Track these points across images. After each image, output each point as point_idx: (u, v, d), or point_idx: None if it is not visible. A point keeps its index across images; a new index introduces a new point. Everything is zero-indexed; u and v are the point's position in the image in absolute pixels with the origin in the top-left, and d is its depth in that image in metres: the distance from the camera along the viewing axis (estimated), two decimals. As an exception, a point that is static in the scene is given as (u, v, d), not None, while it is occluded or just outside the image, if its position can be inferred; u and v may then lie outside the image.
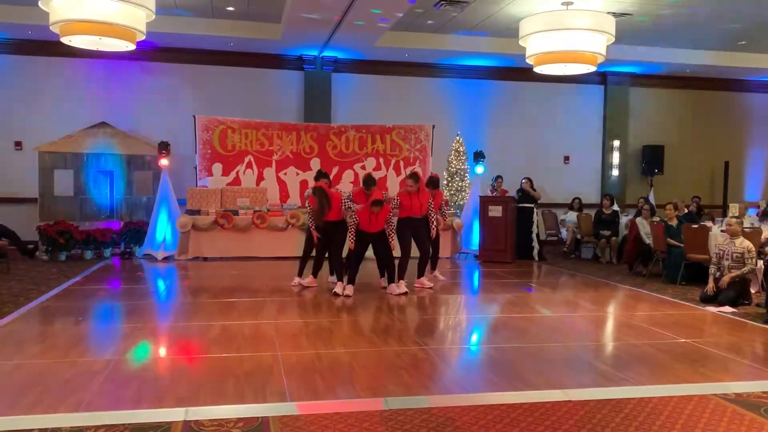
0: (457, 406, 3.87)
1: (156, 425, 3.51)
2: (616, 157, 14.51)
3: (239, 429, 3.47)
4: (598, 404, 3.96)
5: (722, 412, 3.88)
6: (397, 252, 7.82)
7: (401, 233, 7.89)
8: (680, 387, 4.31)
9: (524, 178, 11.61)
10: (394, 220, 7.75)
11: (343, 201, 7.73)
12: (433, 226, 8.09)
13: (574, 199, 12.55)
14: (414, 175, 8.01)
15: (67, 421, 3.55)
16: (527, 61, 9.83)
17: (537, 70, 9.92)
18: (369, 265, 8.04)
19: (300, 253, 8.41)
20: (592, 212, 12.13)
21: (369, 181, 8.11)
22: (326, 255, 8.05)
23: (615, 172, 14.52)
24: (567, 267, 10.60)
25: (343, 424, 3.57)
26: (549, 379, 4.50)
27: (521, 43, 9.72)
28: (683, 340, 5.62)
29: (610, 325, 6.56)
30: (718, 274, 7.60)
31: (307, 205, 8.04)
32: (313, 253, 8.13)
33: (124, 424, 3.50)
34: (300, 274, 8.17)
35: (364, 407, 3.83)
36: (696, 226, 8.91)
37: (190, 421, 3.58)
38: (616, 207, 12.00)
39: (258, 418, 3.63)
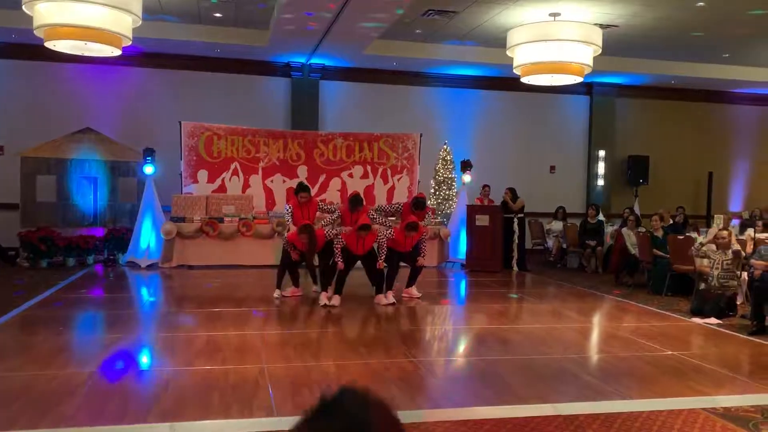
0: (447, 420, 3.84)
1: (140, 441, 3.44)
2: (601, 167, 14.60)
3: (225, 445, 3.41)
4: (587, 418, 3.95)
5: (711, 427, 3.87)
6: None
7: (388, 253, 7.80)
8: (669, 401, 4.30)
9: (505, 189, 11.58)
10: (385, 242, 7.68)
11: (326, 233, 7.66)
12: (421, 256, 8.01)
13: (558, 209, 12.59)
14: (415, 225, 7.79)
15: (47, 437, 3.47)
16: (514, 71, 9.86)
17: (524, 80, 9.96)
18: (356, 275, 8.00)
19: None
20: (578, 222, 12.19)
21: (356, 201, 8.01)
22: (303, 265, 8.03)
23: (600, 182, 14.61)
24: (553, 276, 10.62)
25: (332, 439, 3.51)
26: (538, 392, 4.47)
27: (509, 53, 9.76)
28: (670, 353, 5.63)
29: (596, 337, 6.56)
30: (703, 286, 7.66)
31: (285, 241, 7.95)
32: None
33: (106, 440, 3.44)
34: (279, 286, 8.07)
35: (353, 422, 3.77)
36: (681, 237, 8.96)
37: (175, 436, 3.51)
38: (601, 217, 12.05)
39: (244, 433, 3.57)
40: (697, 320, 7.09)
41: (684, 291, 8.67)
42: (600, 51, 9.48)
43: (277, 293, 7.96)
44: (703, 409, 4.16)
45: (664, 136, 15.04)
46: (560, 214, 12.46)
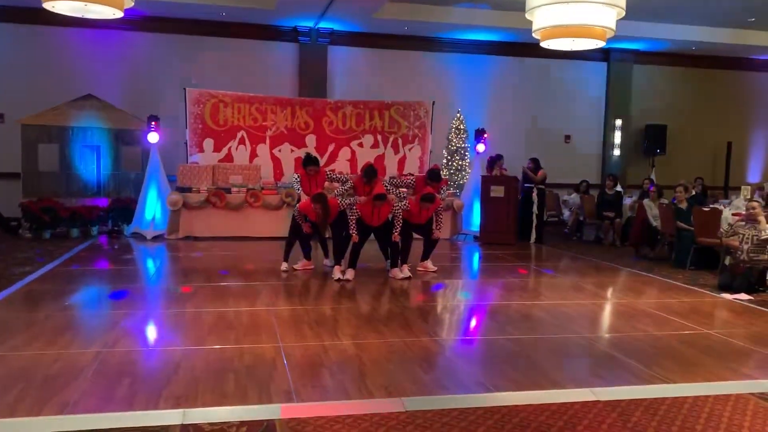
0: (481, 407, 3.56)
1: (150, 430, 3.17)
2: (617, 137, 14.18)
3: (243, 435, 3.14)
4: (630, 405, 3.68)
5: (765, 413, 3.60)
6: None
7: (402, 225, 7.48)
8: (715, 386, 4.02)
9: (529, 159, 11.22)
10: (400, 213, 7.36)
11: (340, 203, 7.35)
12: (437, 228, 7.74)
13: (582, 182, 12.13)
14: (431, 197, 7.48)
15: (50, 425, 3.21)
16: (533, 35, 9.40)
17: (544, 45, 9.46)
18: (370, 247, 7.70)
19: None
20: (594, 193, 11.83)
21: (370, 172, 7.72)
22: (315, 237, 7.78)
23: (616, 152, 14.20)
24: (570, 249, 10.31)
25: (357, 429, 3.25)
26: (573, 375, 4.21)
27: (528, 16, 9.29)
28: (705, 331, 5.35)
29: (626, 314, 6.25)
30: (728, 260, 7.36)
31: (296, 212, 7.58)
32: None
33: (115, 429, 3.17)
34: (286, 259, 7.78)
35: (380, 408, 3.51)
36: (707, 209, 8.62)
37: (189, 424, 3.25)
38: (619, 188, 11.68)
39: (263, 421, 3.30)
40: (726, 296, 6.81)
41: (708, 265, 8.38)
42: (623, 14, 9.00)
43: (284, 266, 7.68)
44: (752, 393, 3.89)
45: (683, 104, 14.60)
46: (584, 187, 11.98)
